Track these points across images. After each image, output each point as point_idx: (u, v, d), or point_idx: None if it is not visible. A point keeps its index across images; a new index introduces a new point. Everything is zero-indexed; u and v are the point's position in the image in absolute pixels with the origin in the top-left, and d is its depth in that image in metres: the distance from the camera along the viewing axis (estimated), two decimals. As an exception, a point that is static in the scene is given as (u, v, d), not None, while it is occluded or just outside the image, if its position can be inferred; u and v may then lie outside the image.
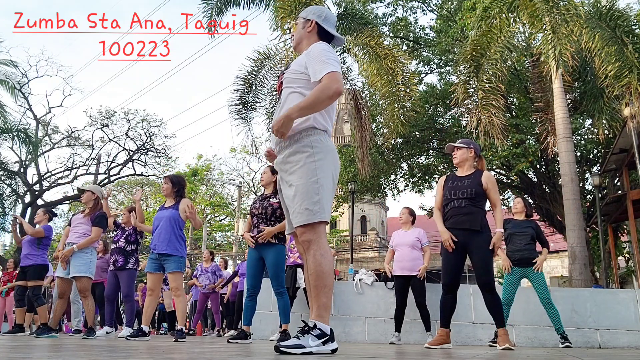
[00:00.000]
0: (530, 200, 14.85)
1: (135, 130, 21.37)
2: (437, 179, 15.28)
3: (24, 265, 6.26)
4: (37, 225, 6.39)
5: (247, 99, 12.19)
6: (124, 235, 6.19)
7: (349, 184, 15.80)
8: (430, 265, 5.77)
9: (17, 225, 6.58)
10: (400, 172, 16.95)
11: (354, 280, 6.51)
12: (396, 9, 16.43)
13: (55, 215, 6.79)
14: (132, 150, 21.60)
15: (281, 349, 2.17)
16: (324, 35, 2.60)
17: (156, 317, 12.68)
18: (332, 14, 2.67)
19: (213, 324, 10.68)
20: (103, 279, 7.90)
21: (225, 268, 10.86)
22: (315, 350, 2.19)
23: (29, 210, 18.54)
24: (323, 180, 2.31)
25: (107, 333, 6.38)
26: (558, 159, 10.27)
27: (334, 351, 2.26)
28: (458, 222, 3.99)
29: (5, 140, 17.47)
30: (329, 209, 2.36)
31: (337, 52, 9.28)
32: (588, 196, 15.03)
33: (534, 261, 5.31)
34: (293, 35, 2.67)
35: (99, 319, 7.79)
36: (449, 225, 4.06)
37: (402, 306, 5.74)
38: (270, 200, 4.71)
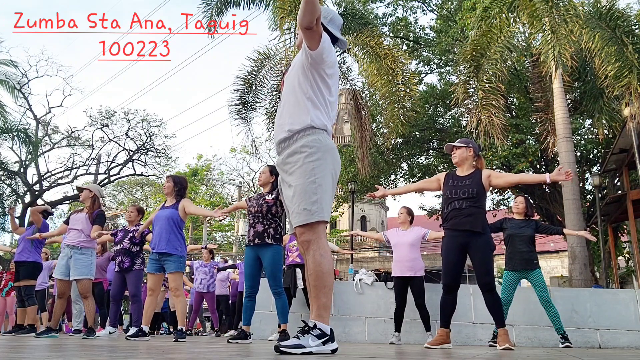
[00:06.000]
0: (531, 200, 14.80)
1: (135, 130, 21.36)
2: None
3: (17, 261, 6.36)
4: (33, 225, 6.42)
5: (247, 99, 12.20)
6: (128, 237, 6.14)
7: (349, 184, 15.78)
8: (430, 265, 5.78)
9: (14, 211, 6.60)
10: (400, 172, 16.94)
11: (354, 280, 6.51)
12: (396, 9, 16.43)
13: (51, 214, 6.78)
14: (132, 150, 21.58)
15: (281, 349, 2.17)
16: None
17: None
18: (338, 16, 2.66)
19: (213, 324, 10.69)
20: (103, 279, 7.90)
21: (225, 268, 10.86)
22: (315, 350, 2.19)
23: (28, 210, 18.53)
24: (321, 180, 2.31)
25: (110, 333, 6.38)
26: (558, 159, 10.26)
27: (334, 351, 2.26)
28: (459, 224, 3.99)
29: (5, 140, 17.47)
30: (329, 208, 2.36)
31: (336, 52, 9.26)
32: (588, 196, 15.01)
33: (534, 262, 5.31)
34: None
35: (99, 319, 7.79)
36: (450, 227, 4.07)
37: (402, 306, 5.73)
38: (266, 198, 4.71)
